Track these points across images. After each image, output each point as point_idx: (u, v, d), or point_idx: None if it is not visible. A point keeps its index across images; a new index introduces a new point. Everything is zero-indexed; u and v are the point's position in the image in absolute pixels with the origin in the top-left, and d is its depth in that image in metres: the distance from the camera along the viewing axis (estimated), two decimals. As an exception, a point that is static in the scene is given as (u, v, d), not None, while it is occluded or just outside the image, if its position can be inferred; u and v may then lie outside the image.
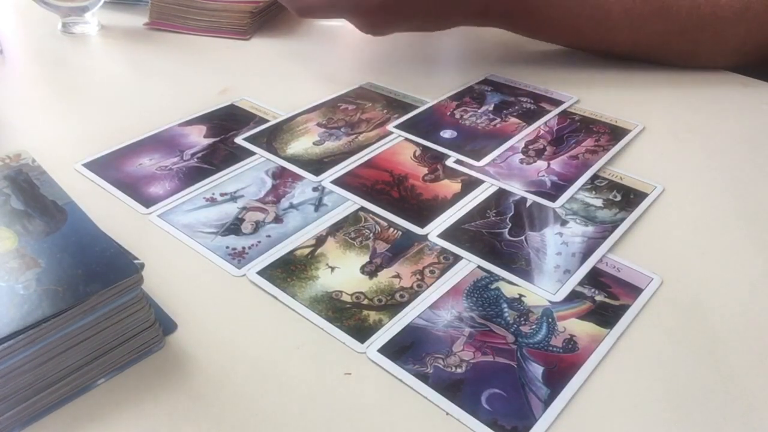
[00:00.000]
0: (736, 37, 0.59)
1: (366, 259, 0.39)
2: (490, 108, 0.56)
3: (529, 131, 0.53)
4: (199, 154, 0.49)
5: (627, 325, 0.35)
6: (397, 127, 0.53)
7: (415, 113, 0.55)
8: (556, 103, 0.57)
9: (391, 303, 0.36)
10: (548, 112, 0.56)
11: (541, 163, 0.48)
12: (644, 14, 0.58)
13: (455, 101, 0.57)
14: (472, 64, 0.65)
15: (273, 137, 0.52)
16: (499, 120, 0.54)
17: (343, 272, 0.38)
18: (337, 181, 0.46)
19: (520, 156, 0.49)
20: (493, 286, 0.37)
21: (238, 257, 0.39)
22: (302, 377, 0.32)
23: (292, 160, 0.49)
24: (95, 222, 0.34)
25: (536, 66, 0.64)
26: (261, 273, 0.38)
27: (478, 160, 0.49)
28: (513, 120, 0.54)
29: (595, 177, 0.47)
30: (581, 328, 0.35)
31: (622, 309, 0.36)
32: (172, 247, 0.40)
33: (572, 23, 0.60)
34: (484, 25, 0.62)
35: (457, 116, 0.55)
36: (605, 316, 0.36)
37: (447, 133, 0.52)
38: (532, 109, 0.56)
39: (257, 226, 0.42)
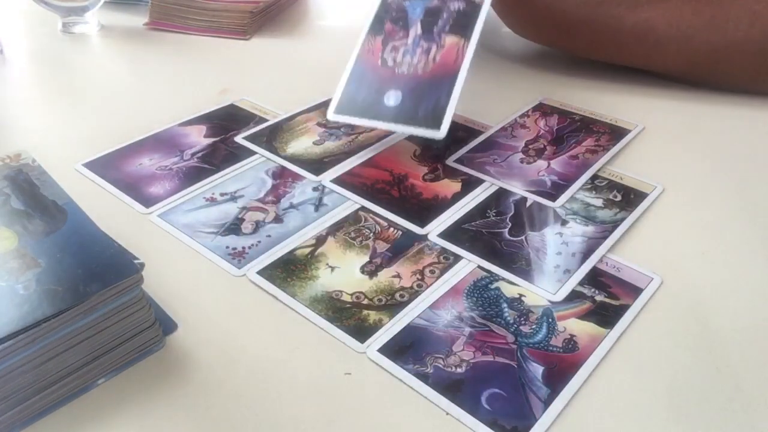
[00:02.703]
0: None
1: (366, 258, 0.39)
2: (419, 30, 0.45)
3: (471, 48, 0.43)
4: (199, 154, 0.49)
5: (627, 325, 0.35)
6: (336, 112, 0.47)
7: (344, 87, 0.47)
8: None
9: (391, 303, 0.36)
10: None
11: (542, 163, 0.48)
12: (694, 26, 0.53)
13: (378, 35, 0.47)
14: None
15: (273, 137, 0.52)
16: (435, 46, 0.44)
17: (343, 272, 0.38)
18: (337, 181, 0.46)
19: (520, 155, 0.49)
20: (493, 286, 0.37)
21: (238, 257, 0.39)
22: (302, 377, 0.32)
23: (292, 159, 0.49)
24: (95, 222, 0.34)
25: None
26: (261, 273, 0.38)
27: (438, 128, 0.42)
28: (450, 39, 0.44)
29: (595, 177, 0.47)
30: (581, 328, 0.35)
31: (622, 309, 0.36)
32: (172, 247, 0.40)
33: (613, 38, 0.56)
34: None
35: (390, 62, 0.45)
36: (605, 316, 0.36)
37: (391, 99, 0.43)
38: (462, 10, 0.45)
39: (257, 225, 0.42)
